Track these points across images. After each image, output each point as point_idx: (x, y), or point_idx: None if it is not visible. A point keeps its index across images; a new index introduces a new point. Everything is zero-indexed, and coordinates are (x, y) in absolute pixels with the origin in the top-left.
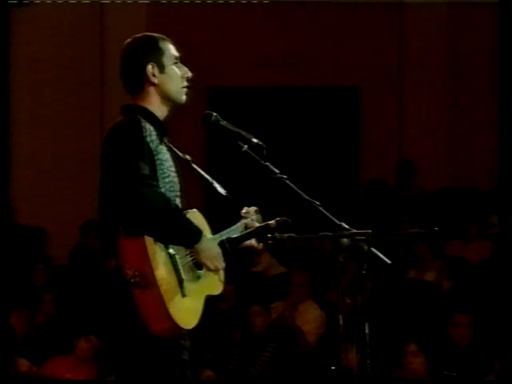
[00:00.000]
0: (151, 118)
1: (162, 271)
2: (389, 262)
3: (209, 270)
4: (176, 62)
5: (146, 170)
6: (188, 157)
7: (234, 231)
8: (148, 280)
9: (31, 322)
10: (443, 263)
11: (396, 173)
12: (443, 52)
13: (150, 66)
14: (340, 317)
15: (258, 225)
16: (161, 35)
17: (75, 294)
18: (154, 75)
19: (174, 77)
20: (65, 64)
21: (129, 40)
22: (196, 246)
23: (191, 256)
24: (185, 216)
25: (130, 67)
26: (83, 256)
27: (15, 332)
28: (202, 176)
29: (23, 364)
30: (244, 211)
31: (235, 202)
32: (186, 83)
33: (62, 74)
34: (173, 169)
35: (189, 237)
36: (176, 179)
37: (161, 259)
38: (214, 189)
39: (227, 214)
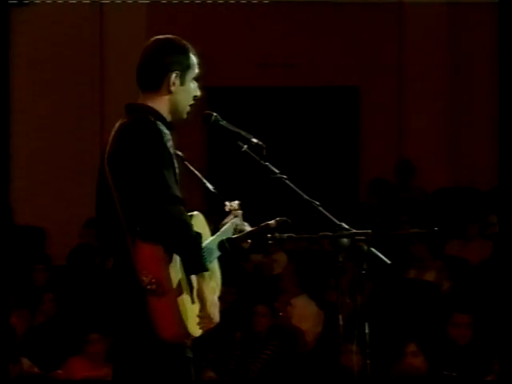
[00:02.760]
0: (162, 119)
1: (178, 279)
2: (389, 262)
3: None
4: (193, 79)
5: (171, 181)
6: (180, 153)
7: (227, 231)
8: (164, 288)
9: (31, 321)
10: (443, 263)
11: (395, 173)
12: (443, 52)
13: (174, 75)
14: (340, 317)
15: (248, 226)
16: (191, 47)
17: (75, 294)
18: (174, 84)
19: (188, 93)
20: (65, 64)
21: (161, 38)
22: (198, 276)
23: None
24: (200, 245)
25: (155, 66)
26: (83, 256)
27: (16, 332)
28: (194, 172)
29: (25, 363)
30: (228, 206)
31: (221, 198)
32: (192, 102)
33: (62, 73)
34: (177, 170)
35: (194, 266)
36: (178, 181)
37: (177, 267)
38: (203, 184)
39: (220, 211)
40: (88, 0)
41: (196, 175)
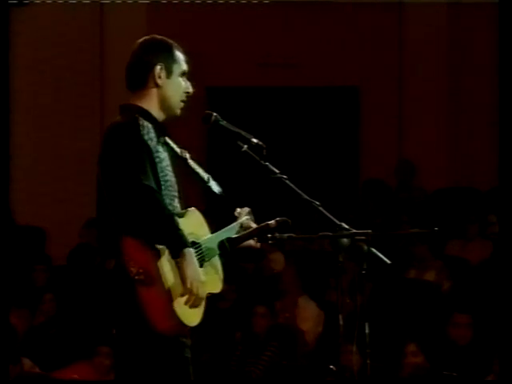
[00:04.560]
0: (149, 117)
1: (167, 268)
2: (389, 262)
3: (185, 288)
4: (183, 75)
5: (144, 170)
6: (187, 155)
7: (230, 231)
8: (153, 277)
9: (31, 321)
10: (443, 263)
11: (396, 173)
12: (443, 52)
13: (158, 67)
14: (340, 317)
15: (254, 224)
16: (177, 45)
17: (75, 294)
18: (159, 77)
19: (177, 87)
20: (65, 64)
21: (146, 38)
22: (179, 258)
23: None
24: (175, 225)
25: (139, 63)
26: (83, 256)
27: (17, 332)
28: (198, 174)
29: (26, 364)
30: (237, 212)
31: (229, 202)
32: (184, 98)
33: (62, 74)
34: (170, 168)
35: (173, 246)
36: (174, 179)
37: (165, 257)
38: (209, 187)
39: (226, 214)
40: (88, 0)
41: (202, 177)
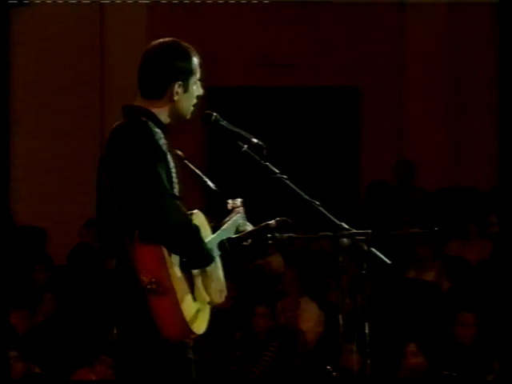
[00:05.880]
0: (156, 121)
1: (178, 278)
2: (389, 262)
3: (209, 299)
4: (197, 81)
5: (164, 177)
6: (180, 153)
7: (229, 229)
8: (165, 287)
9: (31, 321)
10: (443, 263)
11: (395, 173)
12: (443, 52)
13: (177, 85)
14: (340, 317)
15: (249, 226)
16: (193, 49)
17: (75, 294)
18: (177, 93)
19: (191, 98)
20: (65, 64)
21: (164, 43)
22: (205, 270)
23: None
24: (201, 238)
25: (158, 75)
26: (83, 256)
27: (16, 332)
28: (194, 171)
29: (25, 364)
30: (230, 204)
31: (224, 196)
32: (195, 101)
33: (62, 73)
34: (174, 170)
35: (201, 259)
36: (177, 180)
37: (176, 266)
38: (205, 183)
39: (223, 209)
40: (88, 0)
41: (197, 174)
